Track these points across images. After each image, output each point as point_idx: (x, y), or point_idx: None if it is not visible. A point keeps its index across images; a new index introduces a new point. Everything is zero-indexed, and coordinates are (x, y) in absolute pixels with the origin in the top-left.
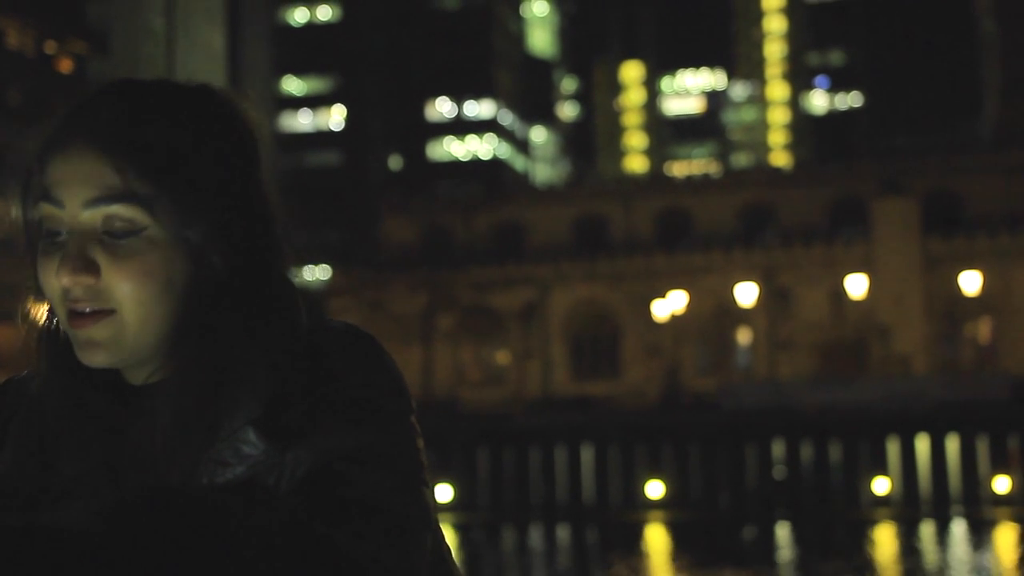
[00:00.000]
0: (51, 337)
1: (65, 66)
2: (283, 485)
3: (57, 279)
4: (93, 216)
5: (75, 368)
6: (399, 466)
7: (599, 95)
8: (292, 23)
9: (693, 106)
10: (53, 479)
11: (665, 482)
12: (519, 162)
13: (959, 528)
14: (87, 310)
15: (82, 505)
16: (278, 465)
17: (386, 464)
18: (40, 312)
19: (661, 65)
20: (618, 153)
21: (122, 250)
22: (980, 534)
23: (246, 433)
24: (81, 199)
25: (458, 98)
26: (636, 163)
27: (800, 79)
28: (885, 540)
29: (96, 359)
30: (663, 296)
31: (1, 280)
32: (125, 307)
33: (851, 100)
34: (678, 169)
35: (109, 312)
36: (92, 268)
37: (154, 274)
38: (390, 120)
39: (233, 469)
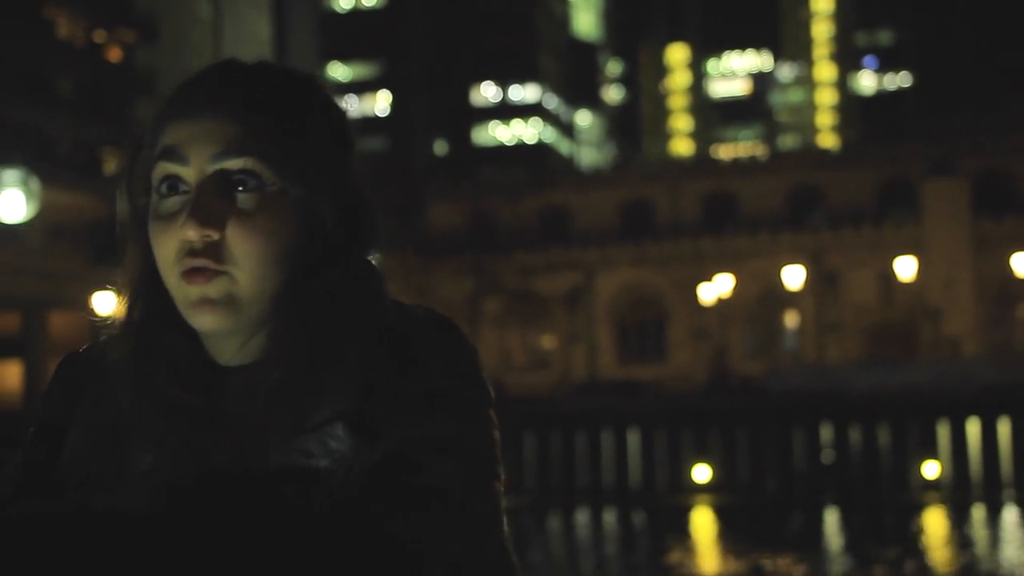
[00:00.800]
0: (136, 323)
1: (114, 55)
2: (355, 471)
3: (182, 230)
4: (219, 172)
5: (160, 356)
6: (473, 458)
7: (644, 78)
8: (337, 9)
9: (739, 88)
10: (125, 468)
11: (712, 466)
12: (564, 146)
13: (1010, 513)
14: (204, 265)
15: (136, 489)
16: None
17: (460, 455)
18: (125, 297)
19: (707, 47)
20: (664, 136)
21: (246, 206)
22: None
23: (335, 428)
24: (208, 154)
25: (503, 82)
26: (682, 146)
27: (848, 59)
28: (935, 524)
29: (208, 320)
30: (710, 280)
31: (56, 269)
32: (243, 265)
33: (900, 80)
34: (724, 152)
35: (221, 273)
36: (218, 220)
37: (275, 233)
38: (435, 105)
39: (317, 461)
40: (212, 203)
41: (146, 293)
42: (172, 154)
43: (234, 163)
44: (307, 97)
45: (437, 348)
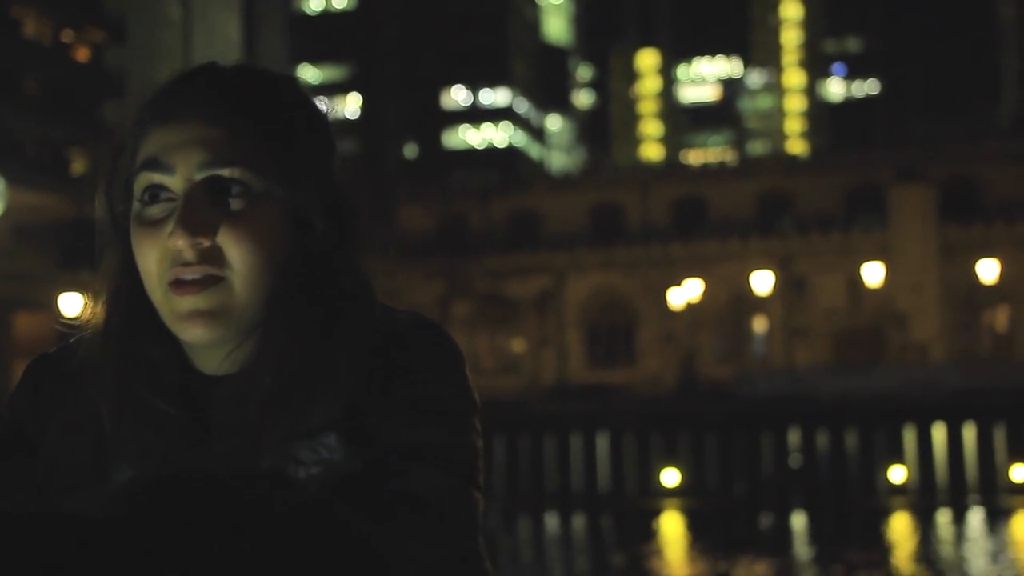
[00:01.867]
0: (116, 332)
1: (82, 55)
2: (335, 474)
3: (170, 239)
4: (207, 178)
5: (141, 366)
6: (455, 466)
7: (615, 83)
8: (308, 11)
9: (709, 94)
10: (104, 478)
11: (681, 470)
12: (535, 150)
13: (976, 517)
14: (196, 276)
15: (100, 491)
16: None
17: (441, 463)
18: (100, 304)
19: (677, 53)
20: (634, 141)
21: (235, 213)
22: (997, 523)
23: (327, 436)
24: (194, 162)
25: (473, 86)
26: (652, 151)
27: (817, 66)
28: (901, 529)
29: (199, 332)
30: (679, 284)
31: (23, 270)
32: (236, 272)
33: (868, 87)
34: (694, 157)
35: (218, 279)
36: (209, 228)
37: (266, 238)
38: (406, 108)
39: (308, 469)
40: (201, 210)
41: (125, 301)
42: (156, 164)
43: (221, 171)
44: (290, 99)
45: (425, 355)
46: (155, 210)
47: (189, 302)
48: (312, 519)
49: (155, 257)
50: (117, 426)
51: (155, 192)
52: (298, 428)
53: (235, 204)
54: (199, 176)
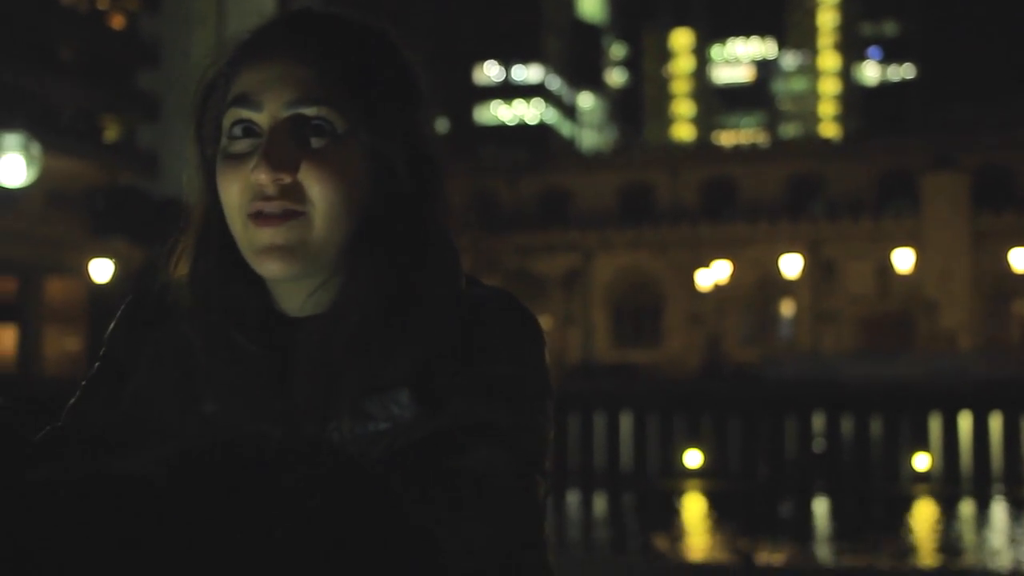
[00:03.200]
0: (204, 272)
1: (117, 22)
2: (397, 444)
3: (253, 173)
4: (292, 117)
5: (227, 304)
6: (520, 449)
7: (648, 62)
8: None
9: (743, 75)
10: (189, 413)
11: (704, 451)
12: (566, 128)
13: (999, 507)
14: (276, 211)
15: (154, 452)
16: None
17: (508, 444)
18: (188, 247)
19: (711, 33)
20: (666, 121)
21: (319, 151)
22: (1021, 513)
23: (400, 393)
24: (282, 100)
25: (506, 62)
26: (683, 131)
27: (852, 49)
28: (924, 516)
29: (276, 267)
30: (707, 265)
31: (54, 235)
32: (316, 208)
33: (903, 72)
34: (726, 138)
35: (299, 214)
36: (292, 164)
37: (347, 177)
38: (438, 83)
39: (377, 424)
40: (285, 146)
41: (211, 241)
42: (245, 100)
43: (308, 110)
44: (380, 47)
45: (507, 332)
46: (241, 145)
47: (268, 235)
48: (368, 498)
49: (237, 190)
50: (206, 362)
51: (243, 127)
52: (377, 376)
53: (318, 142)
54: (285, 113)
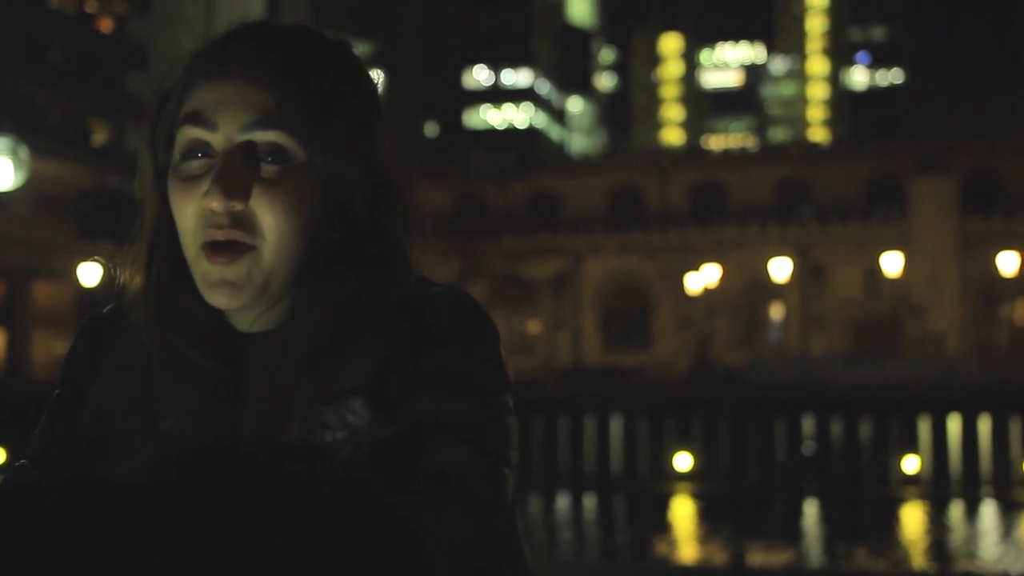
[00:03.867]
0: (156, 285)
1: (105, 25)
2: (364, 447)
3: (206, 198)
4: (247, 142)
5: (180, 320)
6: (485, 443)
7: (637, 66)
8: None
9: (732, 79)
10: (147, 430)
11: (693, 455)
12: (555, 132)
13: (988, 509)
14: (226, 239)
15: (148, 454)
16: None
17: (472, 439)
18: (140, 258)
19: (700, 37)
20: (655, 125)
21: (273, 178)
22: (1010, 515)
23: (354, 401)
24: (239, 122)
25: (495, 66)
26: (672, 135)
27: (841, 54)
28: (913, 519)
29: (225, 301)
30: (696, 269)
31: (42, 239)
32: (267, 241)
33: (892, 77)
34: (715, 143)
35: (248, 247)
36: (244, 191)
37: (300, 206)
38: (427, 87)
39: (334, 434)
40: (239, 173)
41: (163, 254)
42: (200, 119)
43: (264, 135)
44: (342, 66)
45: (459, 328)
46: (194, 166)
47: (218, 271)
48: (354, 494)
49: (190, 214)
50: (160, 376)
51: (197, 147)
52: (328, 389)
53: (272, 170)
54: (241, 137)
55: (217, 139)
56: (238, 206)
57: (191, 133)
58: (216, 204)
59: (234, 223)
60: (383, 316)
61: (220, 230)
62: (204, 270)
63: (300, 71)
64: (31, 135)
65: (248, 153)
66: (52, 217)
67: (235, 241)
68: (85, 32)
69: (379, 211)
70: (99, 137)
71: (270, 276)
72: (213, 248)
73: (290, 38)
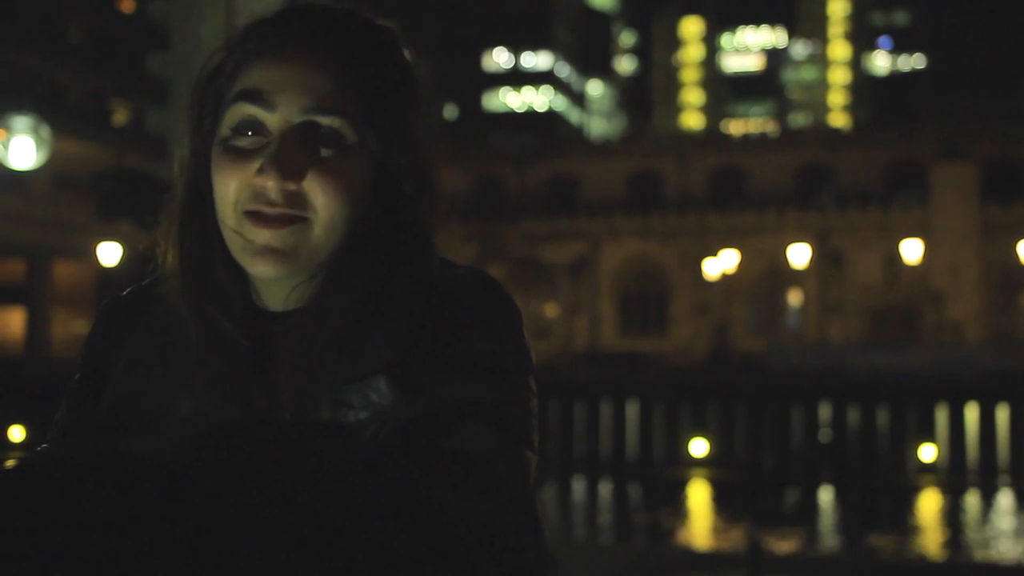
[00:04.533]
0: (190, 258)
1: (127, 6)
2: (388, 427)
3: (259, 176)
4: (304, 123)
5: (213, 295)
6: (507, 425)
7: (657, 50)
8: None
9: (752, 64)
10: (168, 412)
11: (709, 440)
12: (575, 115)
13: (1005, 498)
14: (277, 216)
15: (173, 433)
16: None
17: (494, 421)
18: (172, 232)
19: (721, 21)
20: (675, 109)
21: (328, 160)
22: None
23: (377, 381)
24: (297, 105)
25: (515, 49)
26: (692, 120)
27: (862, 39)
28: (930, 507)
29: (269, 268)
30: (715, 255)
31: (62, 218)
32: (318, 216)
33: (914, 62)
34: (735, 127)
35: (300, 219)
36: (300, 173)
37: (351, 187)
38: (447, 69)
39: (357, 413)
40: (295, 154)
41: (197, 228)
42: (257, 97)
43: (322, 119)
44: (393, 54)
45: (482, 311)
46: (245, 141)
47: (266, 236)
48: (378, 472)
49: (235, 186)
50: (197, 349)
51: (250, 124)
52: (354, 369)
53: (327, 152)
54: (299, 119)
55: (274, 119)
56: (292, 186)
57: (246, 110)
58: (272, 183)
59: (287, 202)
60: (409, 298)
61: (271, 206)
62: (249, 234)
63: (358, 57)
64: (52, 115)
65: (305, 135)
66: (72, 197)
67: (285, 214)
68: (106, 12)
69: (418, 199)
70: (119, 117)
71: (316, 250)
72: (260, 217)
73: (345, 22)
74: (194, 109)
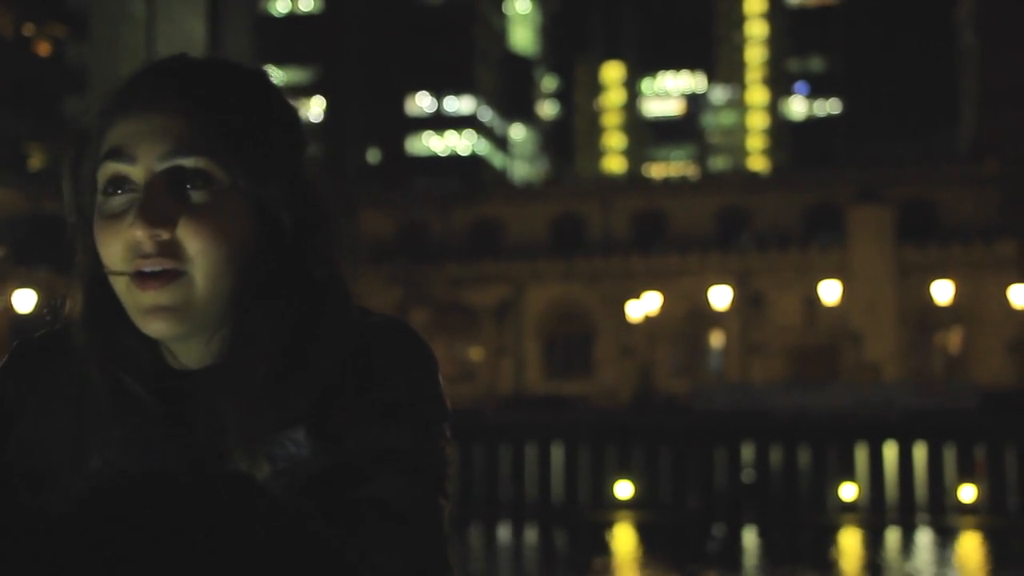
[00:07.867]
0: (94, 318)
1: (43, 49)
2: (298, 479)
3: (130, 230)
4: (168, 170)
5: (116, 354)
6: (422, 474)
7: (579, 94)
8: (274, 13)
9: (673, 108)
10: (77, 465)
11: (634, 482)
12: (498, 159)
13: (924, 536)
14: (156, 269)
15: (78, 488)
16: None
17: (409, 470)
18: (77, 296)
19: (642, 66)
20: (597, 153)
21: (197, 204)
22: (945, 542)
23: (296, 432)
24: (156, 152)
25: (438, 93)
26: (614, 163)
27: (780, 84)
28: (851, 546)
29: (161, 327)
30: (638, 297)
31: None
32: (197, 266)
33: (830, 107)
34: (656, 171)
35: (179, 274)
36: (168, 219)
37: (228, 230)
38: (370, 113)
39: (275, 465)
40: (161, 201)
41: (98, 292)
42: (119, 153)
43: (185, 161)
44: (257, 93)
45: (398, 359)
46: (117, 202)
47: (151, 297)
48: (287, 527)
49: (117, 250)
50: (108, 412)
51: (117, 183)
52: (269, 422)
53: (196, 196)
54: (161, 167)
55: (137, 171)
56: (164, 234)
57: (111, 168)
58: (140, 233)
59: (162, 252)
60: (323, 347)
61: (148, 259)
62: (136, 298)
63: (215, 98)
64: None
65: (171, 181)
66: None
67: (165, 269)
68: (22, 55)
69: (311, 237)
70: (35, 162)
71: (205, 302)
72: (143, 276)
73: (202, 69)
74: (71, 182)
